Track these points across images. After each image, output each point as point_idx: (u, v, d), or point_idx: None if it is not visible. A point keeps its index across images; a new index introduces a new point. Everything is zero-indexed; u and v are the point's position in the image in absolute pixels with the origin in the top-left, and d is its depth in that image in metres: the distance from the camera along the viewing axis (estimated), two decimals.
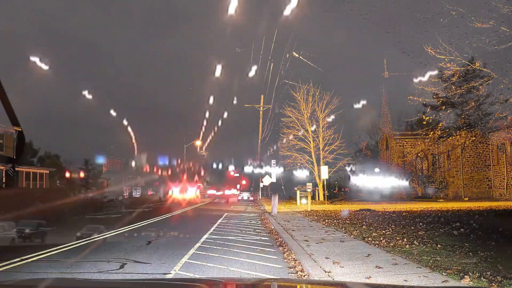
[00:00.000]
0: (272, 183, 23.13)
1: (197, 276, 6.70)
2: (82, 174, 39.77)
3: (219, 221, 17.45)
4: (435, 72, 13.98)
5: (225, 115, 36.11)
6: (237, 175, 79.16)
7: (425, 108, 15.83)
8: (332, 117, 35.14)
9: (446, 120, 15.54)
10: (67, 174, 41.11)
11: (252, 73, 24.55)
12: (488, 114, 14.35)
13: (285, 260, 8.23)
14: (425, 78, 14.00)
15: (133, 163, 63.25)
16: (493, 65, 13.02)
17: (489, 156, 38.04)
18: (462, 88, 14.02)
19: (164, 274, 6.99)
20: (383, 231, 11.24)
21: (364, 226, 12.72)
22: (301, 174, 38.65)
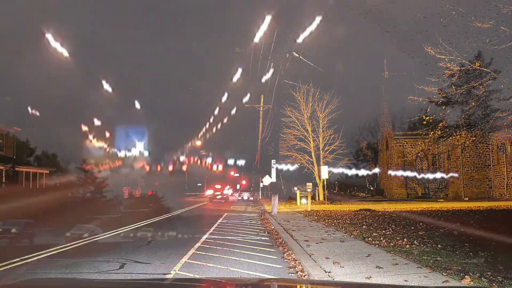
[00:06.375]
0: (272, 183, 23.11)
1: (197, 276, 6.68)
2: None
3: (219, 221, 17.44)
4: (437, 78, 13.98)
5: (224, 114, 36.19)
6: (237, 174, 79.07)
7: (427, 107, 15.79)
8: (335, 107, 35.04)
9: (449, 119, 15.51)
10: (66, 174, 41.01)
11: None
12: (488, 114, 14.33)
13: (285, 260, 8.21)
14: (429, 88, 13.98)
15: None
16: (495, 64, 13.02)
17: (489, 156, 38.02)
18: (462, 88, 14.00)
19: (164, 274, 6.97)
20: (383, 231, 11.22)
21: (364, 226, 12.70)
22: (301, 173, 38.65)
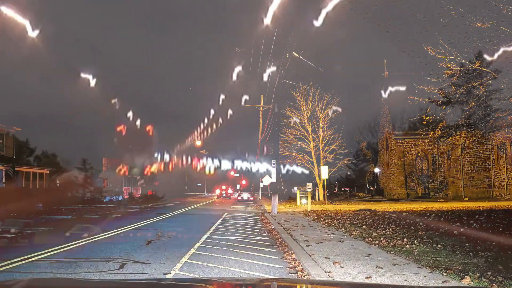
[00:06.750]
0: (272, 183, 23.11)
1: (197, 276, 6.68)
2: None
3: (219, 221, 17.44)
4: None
5: (224, 115, 36.23)
6: (237, 175, 79.22)
7: (427, 107, 15.80)
8: (335, 108, 35.12)
9: (449, 119, 15.52)
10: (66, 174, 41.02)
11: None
12: (488, 114, 14.34)
13: (285, 260, 8.21)
14: (430, 88, 14.01)
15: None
16: (495, 64, 13.02)
17: (489, 156, 38.01)
18: (462, 87, 14.00)
19: (164, 274, 6.97)
20: (383, 231, 11.22)
21: (364, 226, 12.70)
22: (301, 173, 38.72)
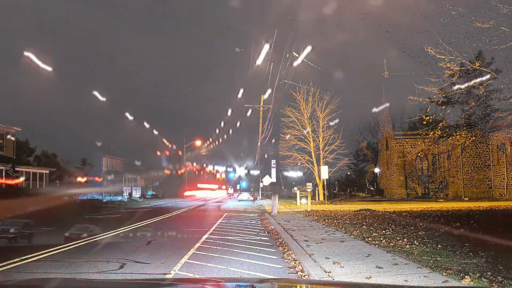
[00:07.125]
0: (272, 183, 23.11)
1: (197, 276, 6.68)
2: None
3: (219, 221, 17.43)
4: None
5: (227, 114, 36.31)
6: (237, 175, 79.48)
7: (427, 107, 15.79)
8: (336, 121, 35.36)
9: (449, 119, 15.51)
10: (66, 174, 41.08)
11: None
12: (488, 114, 14.33)
13: (285, 260, 8.21)
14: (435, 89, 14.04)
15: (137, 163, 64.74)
16: (495, 64, 13.03)
17: (489, 156, 38.00)
18: (462, 88, 14.00)
19: (164, 274, 6.97)
20: (383, 231, 11.22)
21: (364, 226, 12.70)
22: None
